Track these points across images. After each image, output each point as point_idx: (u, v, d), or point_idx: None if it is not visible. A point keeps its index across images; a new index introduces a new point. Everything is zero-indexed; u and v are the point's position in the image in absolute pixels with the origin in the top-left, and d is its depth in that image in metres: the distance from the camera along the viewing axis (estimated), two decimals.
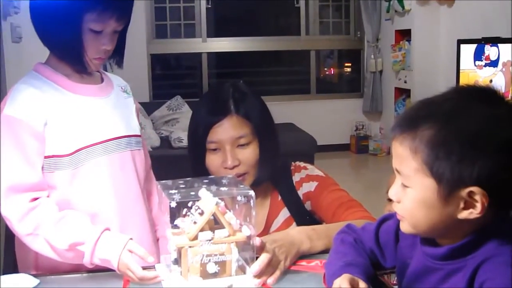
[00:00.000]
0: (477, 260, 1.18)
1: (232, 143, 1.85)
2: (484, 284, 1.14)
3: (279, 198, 1.97)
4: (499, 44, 5.26)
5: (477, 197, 1.15)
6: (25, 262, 1.82)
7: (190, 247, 1.45)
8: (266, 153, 1.89)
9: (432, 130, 1.17)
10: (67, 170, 1.75)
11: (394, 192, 1.27)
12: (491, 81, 5.25)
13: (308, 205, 1.96)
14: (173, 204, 1.42)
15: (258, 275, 1.50)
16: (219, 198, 1.46)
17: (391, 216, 1.43)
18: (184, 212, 1.46)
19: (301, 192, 1.96)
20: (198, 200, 1.46)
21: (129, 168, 1.90)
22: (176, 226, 1.47)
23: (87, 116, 1.81)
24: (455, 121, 1.17)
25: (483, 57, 5.43)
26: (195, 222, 1.45)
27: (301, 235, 1.67)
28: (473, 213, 1.17)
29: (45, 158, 1.73)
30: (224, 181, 1.59)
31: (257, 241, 1.51)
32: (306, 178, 1.97)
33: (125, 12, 1.80)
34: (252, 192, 1.49)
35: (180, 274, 1.46)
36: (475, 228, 1.20)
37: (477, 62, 5.51)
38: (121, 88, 2.01)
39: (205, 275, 1.46)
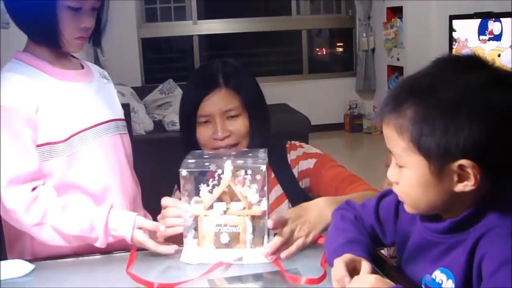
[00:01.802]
0: (478, 233, 1.18)
1: (221, 115, 1.87)
2: (484, 256, 1.14)
3: (272, 175, 1.97)
4: (502, 19, 5.30)
5: (469, 170, 1.14)
6: (16, 249, 1.80)
7: (204, 216, 1.53)
8: (257, 125, 1.92)
9: (414, 107, 1.17)
10: (62, 157, 1.73)
11: (391, 173, 1.27)
12: (499, 55, 5.28)
13: (304, 183, 1.96)
14: (184, 173, 1.52)
15: (269, 254, 1.53)
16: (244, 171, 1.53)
17: (390, 192, 1.42)
18: (209, 182, 1.54)
19: (297, 170, 1.97)
20: (208, 171, 1.54)
21: (121, 151, 1.91)
22: (199, 196, 1.56)
23: (76, 102, 1.81)
24: (435, 94, 1.16)
25: (487, 32, 5.47)
26: (211, 192, 1.53)
27: (332, 207, 1.62)
28: (467, 185, 1.16)
29: (39, 146, 1.71)
30: (250, 154, 1.63)
31: (269, 224, 1.53)
32: (303, 156, 1.98)
33: None
34: (263, 167, 1.53)
35: (197, 241, 1.56)
36: (476, 199, 1.20)
37: (481, 37, 5.55)
38: (100, 74, 2.01)
39: (218, 244, 1.54)
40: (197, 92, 1.89)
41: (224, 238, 1.53)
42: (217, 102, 1.87)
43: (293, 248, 1.57)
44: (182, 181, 1.54)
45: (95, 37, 1.88)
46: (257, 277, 1.47)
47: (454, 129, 1.13)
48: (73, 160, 1.75)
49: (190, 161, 1.56)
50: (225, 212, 1.52)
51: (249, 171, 1.53)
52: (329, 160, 1.97)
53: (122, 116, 1.99)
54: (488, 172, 1.16)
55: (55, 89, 1.77)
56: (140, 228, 1.64)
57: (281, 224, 1.56)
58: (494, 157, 1.15)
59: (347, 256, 1.29)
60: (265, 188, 1.54)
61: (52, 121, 1.73)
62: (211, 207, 1.53)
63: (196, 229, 1.56)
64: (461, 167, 1.15)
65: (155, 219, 1.73)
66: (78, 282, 1.55)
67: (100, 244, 1.66)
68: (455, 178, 1.17)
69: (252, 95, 1.95)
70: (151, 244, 1.61)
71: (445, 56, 1.27)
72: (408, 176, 1.22)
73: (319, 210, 1.64)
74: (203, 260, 1.53)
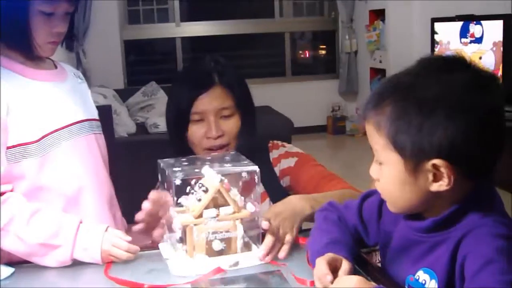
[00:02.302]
0: (461, 232, 1.18)
1: (216, 114, 1.87)
2: (467, 256, 1.14)
3: None
4: (483, 22, 5.36)
5: (442, 169, 1.15)
6: None
7: (195, 225, 1.48)
8: (247, 126, 1.92)
9: (392, 104, 1.18)
10: (35, 158, 1.70)
11: (372, 169, 1.28)
12: (480, 58, 5.34)
13: (285, 182, 1.97)
14: (178, 182, 1.46)
15: (265, 256, 1.52)
16: (222, 175, 1.49)
17: (374, 192, 1.42)
18: (187, 190, 1.49)
19: (278, 169, 1.98)
20: (201, 177, 1.49)
21: (95, 151, 1.89)
22: (179, 205, 1.51)
23: (49, 101, 1.78)
24: (413, 92, 1.17)
25: (468, 35, 5.53)
26: (199, 200, 1.48)
27: (302, 202, 1.67)
28: (442, 185, 1.17)
29: (10, 148, 1.67)
30: (227, 158, 1.62)
31: (264, 225, 1.54)
32: (285, 154, 1.99)
33: None
34: (256, 168, 1.52)
35: (185, 252, 1.50)
36: (458, 199, 1.20)
37: (463, 39, 5.61)
38: (74, 74, 1.98)
39: (210, 252, 1.49)
40: (192, 89, 1.87)
41: (217, 245, 1.49)
42: (213, 100, 1.86)
43: (286, 246, 1.57)
44: (177, 191, 1.49)
45: (68, 40, 1.86)
46: (248, 278, 1.46)
47: (429, 128, 1.14)
48: (46, 161, 1.72)
49: (175, 169, 1.51)
50: (214, 218, 1.49)
51: (244, 174, 1.52)
52: (310, 160, 1.99)
53: (97, 117, 1.97)
54: (465, 172, 1.17)
55: (27, 88, 1.74)
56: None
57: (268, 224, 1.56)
58: (470, 158, 1.16)
59: (329, 255, 1.30)
60: (257, 189, 1.54)
61: (24, 122, 1.69)
62: (200, 215, 1.48)
63: (182, 239, 1.51)
64: (435, 166, 1.16)
65: (133, 221, 1.71)
66: (58, 284, 1.54)
67: (63, 254, 1.58)
68: (430, 178, 1.18)
69: (244, 95, 1.96)
70: (121, 242, 1.58)
71: (429, 56, 1.28)
72: (386, 173, 1.24)
73: (292, 206, 1.65)
74: (198, 271, 1.47)
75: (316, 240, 1.44)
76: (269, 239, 1.54)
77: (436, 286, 1.21)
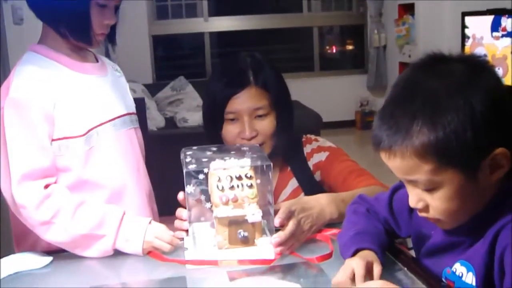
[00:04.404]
0: (497, 226, 1.16)
1: (250, 114, 1.85)
2: (506, 248, 1.12)
3: (288, 169, 1.97)
4: None
5: (500, 157, 1.13)
6: (28, 243, 1.76)
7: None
8: (283, 125, 1.90)
9: (427, 121, 1.11)
10: (80, 151, 1.72)
11: (415, 200, 1.22)
12: None
13: (317, 176, 1.96)
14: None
15: (278, 245, 1.51)
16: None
17: (404, 185, 1.40)
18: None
19: (311, 163, 1.96)
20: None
21: (136, 145, 1.91)
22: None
23: (94, 95, 1.80)
24: (438, 99, 1.12)
25: (500, 29, 5.46)
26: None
27: (332, 207, 1.65)
28: (501, 172, 1.15)
29: (56, 140, 1.69)
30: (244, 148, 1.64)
31: (276, 222, 1.52)
32: (317, 148, 1.98)
33: None
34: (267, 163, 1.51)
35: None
36: (493, 194, 1.19)
37: (494, 34, 5.53)
38: (112, 67, 2.00)
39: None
40: (226, 89, 1.85)
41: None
42: (247, 100, 1.84)
43: (296, 244, 1.56)
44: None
45: (112, 34, 1.87)
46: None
47: (476, 127, 1.10)
48: (90, 155, 1.74)
49: (188, 159, 1.54)
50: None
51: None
52: (341, 154, 1.97)
53: (134, 110, 1.98)
54: None
55: (73, 81, 1.76)
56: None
57: (290, 214, 1.55)
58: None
59: (361, 261, 1.26)
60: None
61: (70, 115, 1.71)
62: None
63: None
64: (495, 157, 1.13)
65: (164, 214, 1.72)
66: (97, 272, 1.57)
67: (106, 243, 1.61)
68: (488, 171, 1.14)
69: (281, 93, 1.92)
70: (167, 237, 1.60)
71: (415, 63, 1.24)
72: (443, 194, 1.17)
73: (321, 207, 1.64)
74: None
75: (344, 233, 1.45)
76: (288, 231, 1.51)
77: (474, 279, 1.19)
